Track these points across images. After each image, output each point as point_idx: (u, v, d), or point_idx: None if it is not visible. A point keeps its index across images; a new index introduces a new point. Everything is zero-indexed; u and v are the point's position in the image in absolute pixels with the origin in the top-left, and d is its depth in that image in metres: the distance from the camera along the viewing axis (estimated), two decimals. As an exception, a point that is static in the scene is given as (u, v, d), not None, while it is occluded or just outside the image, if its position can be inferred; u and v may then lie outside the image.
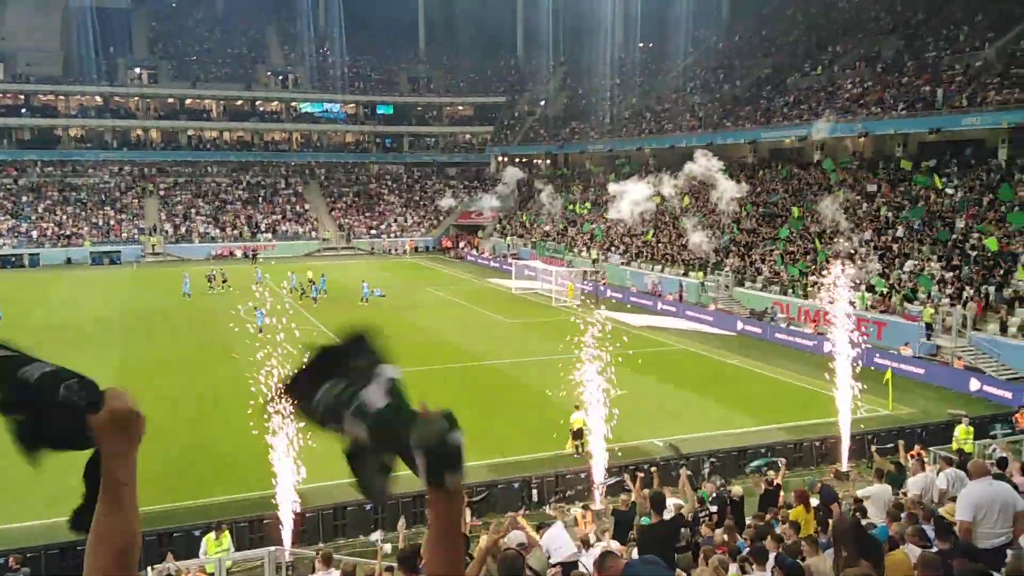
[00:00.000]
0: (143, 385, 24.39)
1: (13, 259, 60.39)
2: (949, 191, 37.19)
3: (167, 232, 66.67)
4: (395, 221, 74.09)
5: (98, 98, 77.49)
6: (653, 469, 16.49)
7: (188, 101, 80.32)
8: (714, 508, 13.49)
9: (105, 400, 1.52)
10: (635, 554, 9.88)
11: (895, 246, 35.72)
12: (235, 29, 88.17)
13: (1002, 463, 11.35)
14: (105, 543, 1.47)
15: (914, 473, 13.96)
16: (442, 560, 1.67)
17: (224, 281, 47.43)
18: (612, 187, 49.64)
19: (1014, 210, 33.14)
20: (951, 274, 31.56)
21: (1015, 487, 8.60)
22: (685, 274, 43.63)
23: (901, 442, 17.25)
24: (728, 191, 42.38)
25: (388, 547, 13.68)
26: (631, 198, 44.55)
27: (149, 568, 12.43)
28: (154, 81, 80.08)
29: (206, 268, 52.46)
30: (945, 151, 40.83)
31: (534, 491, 17.64)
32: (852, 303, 22.71)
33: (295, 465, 14.51)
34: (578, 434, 19.73)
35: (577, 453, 19.61)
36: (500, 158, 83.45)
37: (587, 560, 10.40)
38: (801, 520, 11.04)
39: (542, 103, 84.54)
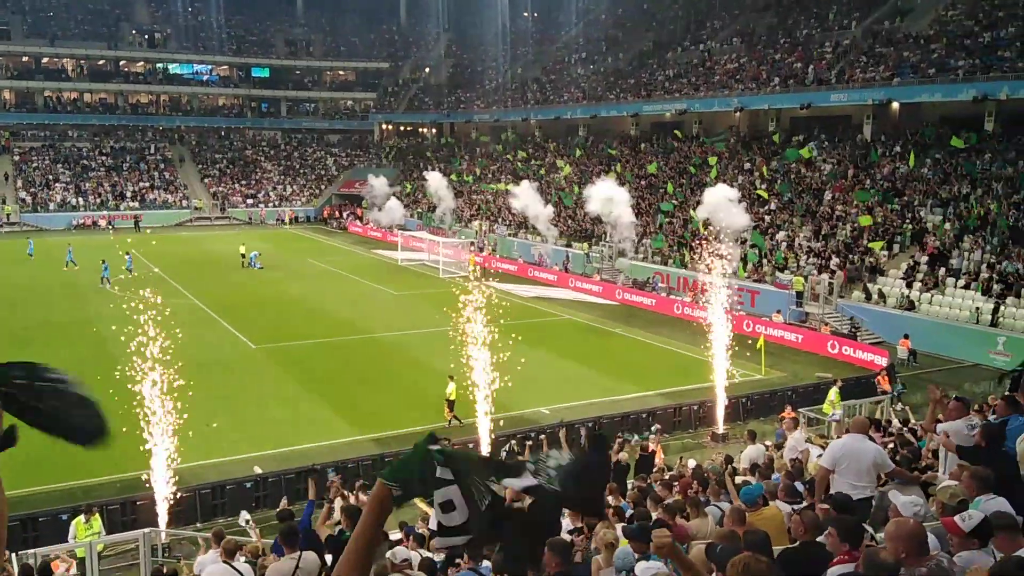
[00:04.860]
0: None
1: None
2: (820, 165, 39.01)
3: (23, 201, 62.03)
4: (273, 190, 71.48)
5: (-58, 54, 71.14)
6: (542, 437, 16.63)
7: (45, 60, 74.66)
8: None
9: None
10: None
11: (768, 218, 37.26)
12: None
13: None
14: None
15: (787, 434, 14.69)
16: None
17: None
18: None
19: (878, 185, 35.16)
20: (819, 244, 33.25)
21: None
22: (569, 245, 44.26)
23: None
24: None
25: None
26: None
27: (13, 555, 11.61)
28: (6, 38, 73.85)
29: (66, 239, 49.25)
30: (815, 127, 42.79)
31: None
32: (732, 272, 23.51)
33: (169, 444, 13.86)
34: (452, 404, 19.67)
35: (449, 423, 19.51)
36: (384, 125, 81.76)
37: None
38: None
39: (427, 70, 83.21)
